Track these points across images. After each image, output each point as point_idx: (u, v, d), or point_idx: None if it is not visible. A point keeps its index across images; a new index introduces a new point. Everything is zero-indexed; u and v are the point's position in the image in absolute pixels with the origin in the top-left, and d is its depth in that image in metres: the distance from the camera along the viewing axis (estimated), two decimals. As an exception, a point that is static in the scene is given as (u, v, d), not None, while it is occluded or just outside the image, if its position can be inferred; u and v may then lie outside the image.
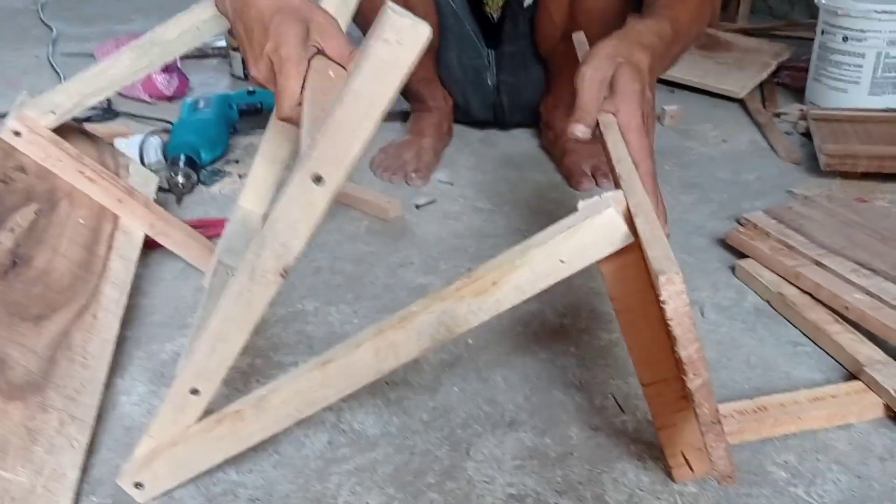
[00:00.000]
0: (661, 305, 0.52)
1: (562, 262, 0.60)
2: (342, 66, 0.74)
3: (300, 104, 0.72)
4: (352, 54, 0.74)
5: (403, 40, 0.53)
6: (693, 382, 0.55)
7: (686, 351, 0.54)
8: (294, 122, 0.73)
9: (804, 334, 0.90)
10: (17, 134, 0.89)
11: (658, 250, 0.54)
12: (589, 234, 0.59)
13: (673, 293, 0.52)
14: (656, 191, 0.73)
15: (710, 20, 1.05)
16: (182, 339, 0.90)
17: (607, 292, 0.63)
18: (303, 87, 0.72)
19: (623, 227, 0.59)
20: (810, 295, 0.92)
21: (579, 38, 1.02)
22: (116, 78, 0.92)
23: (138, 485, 0.68)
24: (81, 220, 0.91)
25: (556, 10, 1.27)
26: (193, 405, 0.67)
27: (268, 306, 0.63)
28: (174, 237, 1.00)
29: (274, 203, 0.60)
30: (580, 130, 0.78)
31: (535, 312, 0.94)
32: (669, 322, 0.53)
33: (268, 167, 0.97)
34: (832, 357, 0.86)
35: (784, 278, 0.96)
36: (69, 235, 0.88)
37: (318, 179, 0.58)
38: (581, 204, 0.61)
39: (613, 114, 0.76)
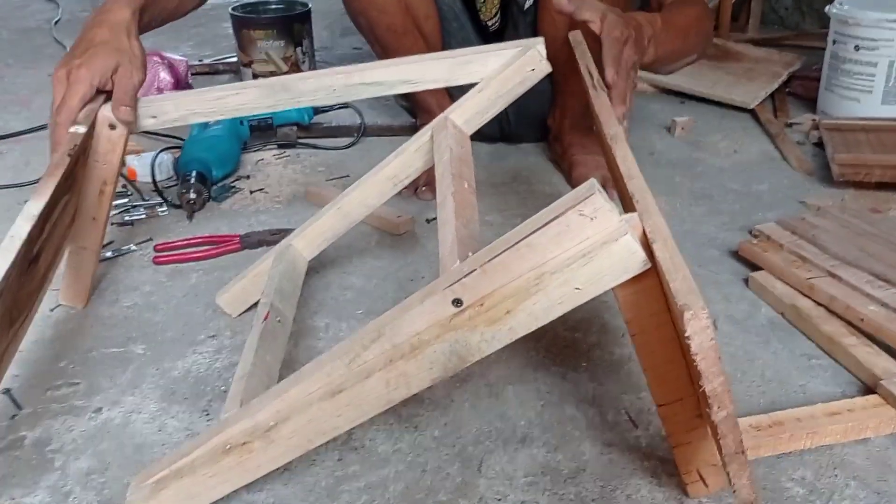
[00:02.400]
0: (686, 341, 0.51)
1: (577, 289, 0.59)
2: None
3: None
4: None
5: (596, 218, 0.55)
6: (717, 415, 0.54)
7: (711, 385, 0.53)
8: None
9: (819, 347, 0.89)
10: (112, 127, 0.90)
11: (682, 283, 0.53)
12: (605, 262, 0.58)
13: (698, 329, 0.51)
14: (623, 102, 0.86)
15: (709, 36, 1.10)
16: (194, 356, 0.90)
17: (622, 314, 0.62)
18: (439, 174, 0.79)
19: (641, 254, 0.57)
20: (825, 307, 0.91)
21: (576, 36, 1.01)
22: (233, 106, 0.92)
23: None
24: (67, 221, 0.90)
25: (556, 12, 1.26)
26: (227, 469, 0.66)
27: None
28: (83, 269, 0.97)
29: (403, 304, 0.61)
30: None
31: (547, 327, 0.93)
32: (694, 357, 0.52)
33: (338, 220, 0.96)
34: (848, 370, 0.85)
35: (798, 290, 0.95)
36: (58, 237, 0.87)
37: (457, 303, 0.59)
38: (592, 228, 0.58)
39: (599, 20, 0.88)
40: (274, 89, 0.92)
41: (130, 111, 0.90)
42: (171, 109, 0.92)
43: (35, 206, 0.76)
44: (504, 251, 0.58)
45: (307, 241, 0.97)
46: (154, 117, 0.93)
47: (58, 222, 0.85)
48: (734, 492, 0.57)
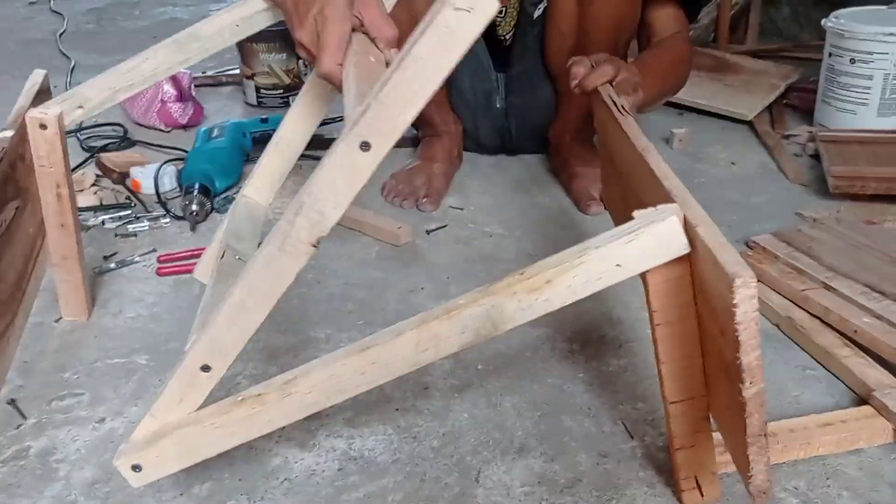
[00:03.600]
0: (732, 308, 0.52)
1: (618, 265, 0.60)
2: (377, 46, 0.78)
3: (341, 65, 0.75)
4: (389, 32, 0.78)
5: (474, 8, 0.52)
6: (748, 390, 0.54)
7: (748, 357, 0.54)
8: (334, 79, 0.75)
9: (814, 358, 0.90)
10: (43, 127, 0.87)
11: (729, 255, 0.54)
12: (649, 241, 0.59)
13: (746, 297, 0.52)
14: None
15: (686, 76, 1.28)
16: (196, 367, 0.91)
17: (648, 304, 0.63)
18: (347, 49, 0.74)
19: (683, 237, 0.59)
20: (819, 319, 0.92)
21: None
22: (149, 73, 0.91)
23: (136, 467, 0.66)
24: (30, 230, 0.91)
25: (563, 21, 1.28)
26: (203, 383, 0.65)
27: (293, 279, 0.62)
28: (72, 279, 0.97)
29: (315, 170, 0.59)
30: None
31: (545, 338, 0.95)
32: (737, 326, 0.53)
33: (279, 158, 0.95)
34: (842, 381, 0.86)
35: (793, 302, 0.96)
36: (22, 244, 0.88)
37: (365, 146, 0.57)
38: (637, 213, 0.61)
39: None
40: (181, 43, 0.91)
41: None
42: (94, 94, 0.90)
43: None
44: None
45: (257, 186, 0.96)
46: (81, 107, 0.90)
47: (13, 228, 0.85)
48: (749, 477, 0.58)
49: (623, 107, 0.87)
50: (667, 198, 0.64)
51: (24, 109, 0.89)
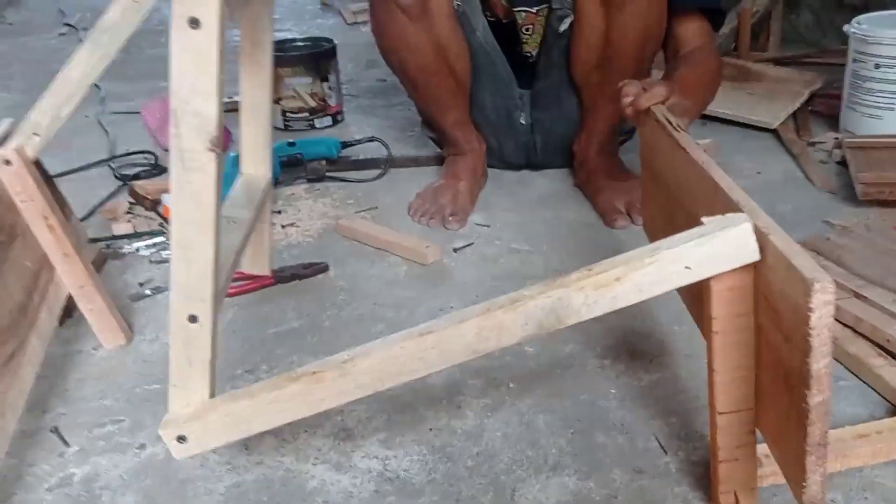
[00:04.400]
0: (807, 313, 0.52)
1: (687, 268, 0.60)
2: None
3: None
4: None
5: None
6: (814, 398, 0.54)
7: (818, 364, 0.53)
8: None
9: (847, 368, 0.89)
10: (7, 163, 0.89)
11: (805, 261, 0.54)
12: (722, 245, 0.60)
13: (822, 302, 0.52)
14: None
15: (717, 88, 1.28)
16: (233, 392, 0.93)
17: (707, 311, 0.63)
18: None
19: (754, 244, 0.60)
20: (851, 328, 0.92)
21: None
22: (79, 78, 0.92)
23: (181, 438, 0.66)
24: (28, 263, 0.93)
25: (591, 33, 1.28)
26: (198, 336, 0.65)
27: (218, 198, 0.60)
28: (96, 305, 0.99)
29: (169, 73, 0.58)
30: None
31: (575, 354, 0.96)
32: (810, 331, 0.53)
33: (253, 126, 0.94)
34: (876, 391, 0.85)
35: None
36: (17, 275, 0.90)
37: (194, 23, 0.55)
38: (706, 218, 0.62)
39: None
40: (94, 40, 0.91)
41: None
42: (41, 118, 0.92)
43: None
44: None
45: (250, 161, 0.97)
46: (36, 134, 0.92)
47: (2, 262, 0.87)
48: (803, 487, 0.57)
49: (679, 124, 0.87)
50: (731, 209, 0.64)
51: None
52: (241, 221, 0.89)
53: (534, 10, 1.34)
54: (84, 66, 0.92)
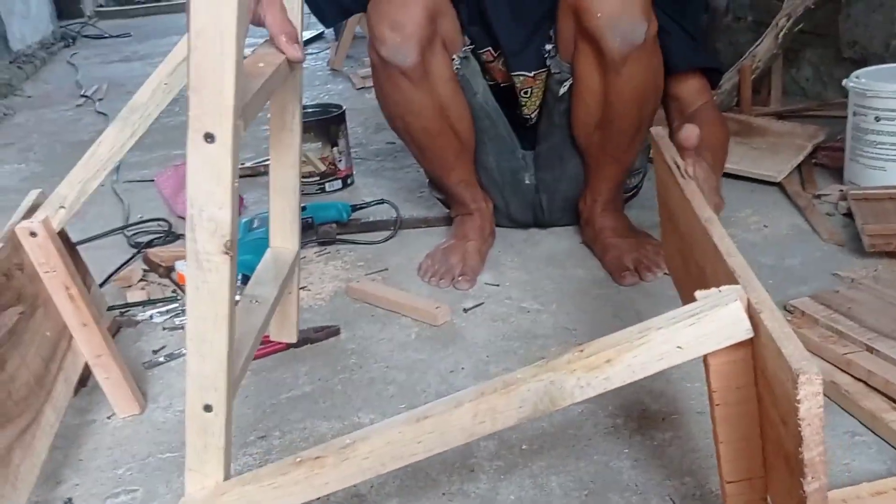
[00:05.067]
0: (795, 404, 0.52)
1: (679, 348, 0.61)
2: (277, 45, 0.80)
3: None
4: (289, 28, 0.80)
5: None
6: (810, 486, 0.54)
7: (811, 453, 0.53)
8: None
9: (862, 423, 0.89)
10: (33, 235, 0.92)
11: (793, 348, 0.54)
12: (712, 325, 0.60)
13: (810, 393, 0.52)
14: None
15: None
16: (245, 458, 0.93)
17: (708, 384, 0.63)
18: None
19: (746, 322, 0.60)
20: (864, 382, 0.91)
21: (657, 132, 1.03)
22: (106, 155, 0.96)
23: None
24: (48, 333, 0.94)
25: (589, 96, 1.30)
26: (213, 423, 0.66)
27: (232, 296, 0.62)
28: (112, 375, 1.00)
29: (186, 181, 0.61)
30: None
31: (587, 414, 0.95)
32: (800, 422, 0.52)
33: (281, 202, 0.97)
34: (892, 446, 0.84)
35: (836, 366, 0.96)
36: (37, 345, 0.92)
37: (209, 137, 0.58)
38: (699, 294, 0.62)
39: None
40: (125, 118, 0.95)
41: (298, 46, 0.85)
42: (68, 191, 0.96)
43: None
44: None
45: (278, 234, 0.98)
46: (63, 207, 0.95)
47: (18, 331, 0.88)
48: None
49: (686, 171, 0.87)
50: (730, 276, 0.64)
51: (13, 226, 0.94)
52: (264, 300, 0.90)
53: (531, 74, 1.38)
54: (112, 142, 0.96)
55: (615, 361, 0.62)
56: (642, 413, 0.95)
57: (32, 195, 1.00)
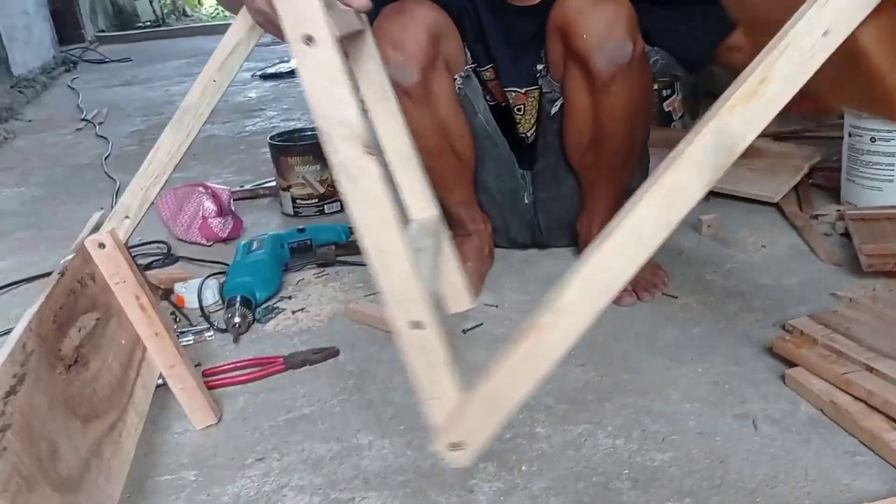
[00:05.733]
0: None
1: (825, 34, 0.57)
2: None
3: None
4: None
5: None
6: None
7: None
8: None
9: (862, 443, 0.88)
10: (101, 246, 0.93)
11: None
12: None
13: None
14: None
15: None
16: (243, 481, 0.93)
17: (870, 60, 0.59)
18: None
19: None
20: (864, 402, 0.91)
21: None
22: (164, 159, 0.97)
23: (455, 445, 0.65)
24: (123, 341, 0.95)
25: (580, 115, 1.31)
26: (428, 339, 0.65)
27: (389, 195, 0.63)
28: (187, 385, 1.01)
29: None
30: None
31: (586, 434, 0.95)
32: None
33: (407, 173, 0.98)
34: (893, 466, 0.84)
35: (835, 386, 0.95)
36: (115, 351, 0.93)
37: (308, 39, 0.61)
38: None
39: None
40: (178, 120, 0.96)
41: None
42: (131, 201, 0.97)
43: (30, 309, 0.81)
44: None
45: (413, 204, 1.01)
46: (127, 217, 0.97)
47: (97, 335, 0.89)
48: None
49: None
50: None
51: (81, 240, 0.96)
52: (425, 248, 0.91)
53: (522, 90, 1.39)
54: (169, 146, 0.97)
55: (769, 78, 0.57)
56: (642, 433, 0.94)
57: (95, 216, 1.02)
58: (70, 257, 0.93)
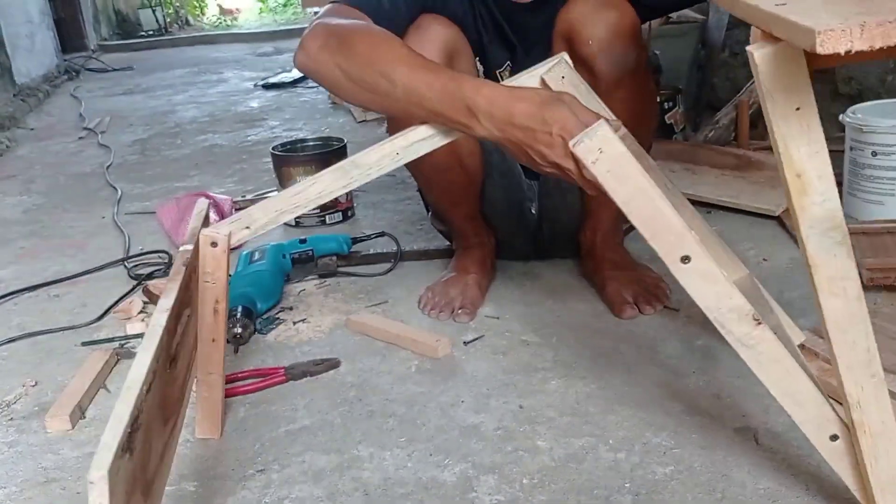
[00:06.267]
0: None
1: None
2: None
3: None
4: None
5: None
6: None
7: None
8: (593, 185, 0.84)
9: (864, 458, 0.88)
10: (213, 244, 0.94)
11: None
12: None
13: None
14: None
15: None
16: (243, 492, 0.93)
17: None
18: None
19: None
20: (865, 417, 0.91)
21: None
22: (314, 196, 0.96)
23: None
24: (191, 340, 0.96)
25: None
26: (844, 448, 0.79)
27: (783, 345, 0.76)
28: (213, 395, 1.02)
29: None
30: None
31: (588, 447, 0.95)
32: None
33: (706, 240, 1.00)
34: (895, 481, 0.84)
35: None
36: (187, 351, 0.93)
37: (685, 259, 0.74)
38: None
39: None
40: (345, 170, 0.96)
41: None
42: (261, 216, 0.96)
43: (166, 301, 0.81)
44: None
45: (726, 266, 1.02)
46: (248, 227, 0.96)
47: (186, 333, 0.90)
48: None
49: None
50: None
51: (197, 229, 0.95)
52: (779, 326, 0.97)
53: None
54: (324, 185, 0.96)
55: None
56: (644, 447, 0.94)
57: (203, 203, 1.03)
58: (189, 248, 0.93)
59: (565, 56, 1.01)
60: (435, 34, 1.27)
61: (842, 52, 0.51)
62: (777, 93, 0.65)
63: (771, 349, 0.76)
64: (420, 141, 0.97)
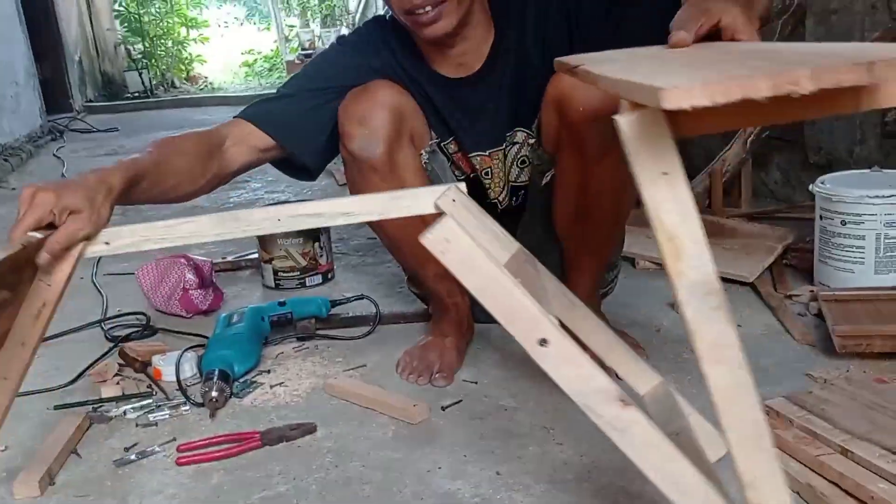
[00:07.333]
0: None
1: None
2: None
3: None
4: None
5: None
6: None
7: None
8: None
9: (838, 527, 0.88)
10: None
11: None
12: None
13: None
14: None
15: None
16: (214, 561, 0.90)
17: None
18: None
19: None
20: (836, 484, 0.92)
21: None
22: (183, 233, 0.95)
23: None
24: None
25: (571, 186, 1.31)
26: None
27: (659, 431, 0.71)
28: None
29: None
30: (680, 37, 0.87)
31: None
32: None
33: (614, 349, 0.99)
34: (869, 551, 0.84)
35: (810, 468, 0.96)
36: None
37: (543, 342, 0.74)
38: None
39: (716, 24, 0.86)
40: (224, 220, 0.96)
41: (51, 261, 0.91)
42: (124, 235, 0.95)
43: None
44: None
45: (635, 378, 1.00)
46: (107, 243, 0.95)
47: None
48: None
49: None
50: None
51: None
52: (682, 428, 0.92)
53: (486, 152, 1.41)
54: (197, 227, 0.96)
55: None
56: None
57: None
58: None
59: (461, 186, 1.02)
60: (384, 96, 1.30)
61: (686, 107, 0.53)
62: (643, 158, 0.67)
63: (644, 432, 0.73)
64: (305, 216, 0.99)
